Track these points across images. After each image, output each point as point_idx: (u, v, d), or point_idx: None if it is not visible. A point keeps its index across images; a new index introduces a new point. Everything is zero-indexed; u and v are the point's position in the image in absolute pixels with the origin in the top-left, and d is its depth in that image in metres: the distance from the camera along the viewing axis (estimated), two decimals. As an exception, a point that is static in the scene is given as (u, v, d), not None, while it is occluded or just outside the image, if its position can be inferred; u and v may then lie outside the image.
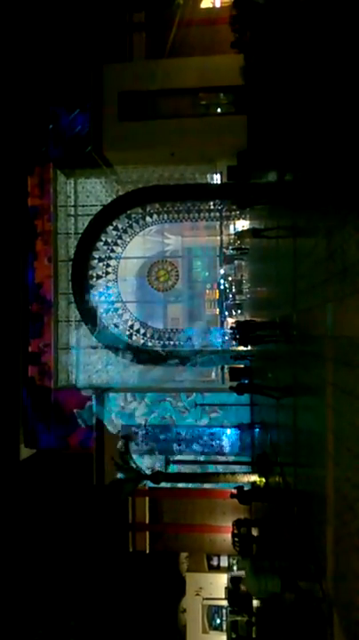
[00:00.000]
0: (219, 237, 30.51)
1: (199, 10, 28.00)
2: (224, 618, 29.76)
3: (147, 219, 28.36)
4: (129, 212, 27.65)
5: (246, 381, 19.45)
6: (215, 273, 33.10)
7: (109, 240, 28.00)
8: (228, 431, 24.71)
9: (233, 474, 18.24)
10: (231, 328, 21.81)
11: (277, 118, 9.90)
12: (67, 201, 27.48)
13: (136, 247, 29.55)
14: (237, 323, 17.57)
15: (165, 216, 28.45)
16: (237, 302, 30.80)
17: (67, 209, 27.45)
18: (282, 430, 9.53)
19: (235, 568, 28.14)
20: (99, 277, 28.05)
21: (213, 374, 28.15)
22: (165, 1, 27.44)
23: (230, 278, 31.78)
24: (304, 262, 6.33)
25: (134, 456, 22.90)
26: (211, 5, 28.36)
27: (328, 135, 4.78)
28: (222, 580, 28.40)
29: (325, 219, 4.95)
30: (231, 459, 23.92)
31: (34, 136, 26.14)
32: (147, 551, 29.02)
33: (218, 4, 28.05)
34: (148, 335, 28.78)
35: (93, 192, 27.59)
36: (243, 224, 27.70)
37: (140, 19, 28.62)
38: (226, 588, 26.76)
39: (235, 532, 17.83)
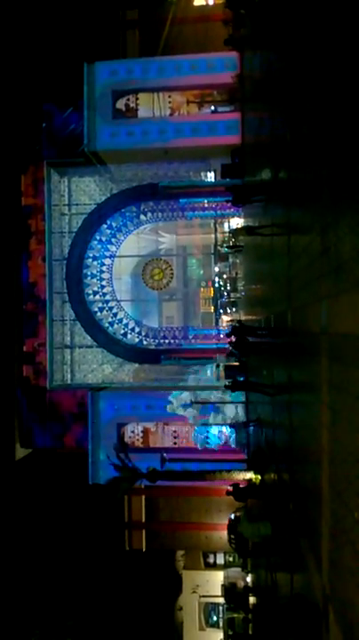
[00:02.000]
0: (213, 235, 30.47)
1: (192, 7, 28.02)
2: (221, 615, 29.83)
3: (142, 217, 28.30)
4: (123, 210, 27.58)
5: (241, 379, 19.45)
6: (210, 271, 33.11)
7: (104, 239, 27.93)
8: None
9: (229, 471, 18.23)
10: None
11: (271, 116, 9.90)
12: (61, 200, 27.38)
13: (130, 246, 29.49)
14: (233, 329, 17.21)
15: (159, 214, 28.39)
16: (232, 300, 30.79)
17: (61, 208, 27.35)
18: (277, 427, 9.55)
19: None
20: (93, 276, 27.99)
21: (209, 372, 28.16)
22: (158, -2, 27.46)
23: (225, 276, 31.78)
24: (298, 259, 6.34)
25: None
26: (204, 3, 28.37)
27: (322, 133, 4.79)
28: (219, 577, 28.45)
29: (319, 216, 4.96)
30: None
31: (27, 135, 26.02)
32: (144, 549, 29.07)
33: (211, 2, 28.06)
34: (143, 333, 28.79)
35: (87, 190, 27.50)
36: (237, 222, 27.70)
37: (134, 16, 28.61)
38: (222, 585, 26.81)
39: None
